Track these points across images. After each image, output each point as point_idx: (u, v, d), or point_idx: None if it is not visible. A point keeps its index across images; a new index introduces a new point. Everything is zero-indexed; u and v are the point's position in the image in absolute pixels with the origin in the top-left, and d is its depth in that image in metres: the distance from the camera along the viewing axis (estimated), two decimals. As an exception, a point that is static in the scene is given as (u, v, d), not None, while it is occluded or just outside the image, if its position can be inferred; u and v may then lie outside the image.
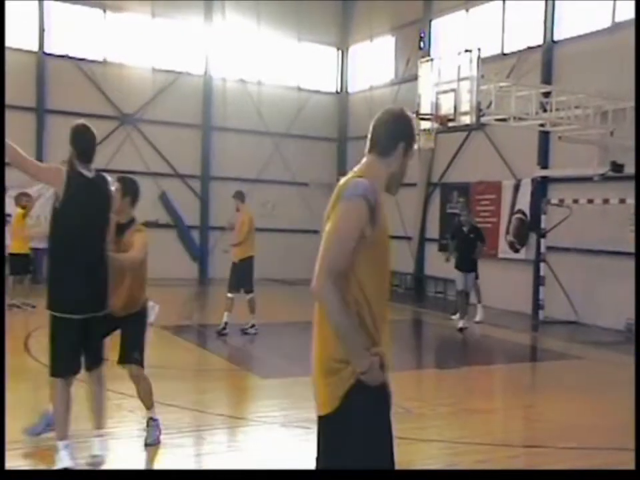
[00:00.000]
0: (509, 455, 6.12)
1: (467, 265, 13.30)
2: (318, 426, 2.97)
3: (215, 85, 20.94)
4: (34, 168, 5.08)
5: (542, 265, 14.41)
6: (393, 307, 3.09)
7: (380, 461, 2.89)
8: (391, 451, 2.94)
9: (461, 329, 12.83)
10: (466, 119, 11.15)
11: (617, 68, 12.86)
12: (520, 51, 15.97)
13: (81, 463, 5.10)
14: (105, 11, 19.56)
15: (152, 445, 5.75)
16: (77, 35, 19.28)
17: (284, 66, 21.91)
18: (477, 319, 13.90)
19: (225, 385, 8.75)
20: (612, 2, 13.87)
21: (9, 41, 15.71)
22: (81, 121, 5.23)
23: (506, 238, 16.33)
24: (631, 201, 11.98)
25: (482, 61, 11.11)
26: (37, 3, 18.66)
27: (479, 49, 11.11)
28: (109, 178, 5.36)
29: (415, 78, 12.89)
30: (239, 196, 11.71)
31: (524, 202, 15.82)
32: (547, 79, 14.95)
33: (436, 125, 11.54)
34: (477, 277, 13.65)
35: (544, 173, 15.08)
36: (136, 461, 5.62)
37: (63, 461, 4.97)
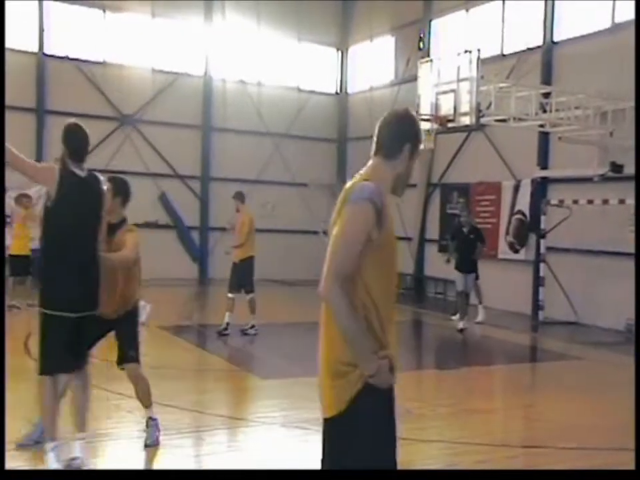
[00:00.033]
0: (509, 455, 6.12)
1: (467, 265, 13.30)
2: (323, 428, 2.96)
3: (214, 85, 20.94)
4: (32, 169, 5.09)
5: (542, 265, 14.41)
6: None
7: (386, 464, 2.89)
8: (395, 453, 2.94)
9: (460, 330, 12.83)
10: (466, 120, 11.17)
11: (617, 68, 12.87)
12: (520, 52, 15.97)
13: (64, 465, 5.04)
14: (104, 11, 19.57)
15: (151, 445, 5.73)
16: (76, 36, 19.28)
17: (284, 66, 21.92)
18: (478, 319, 13.90)
19: (224, 385, 8.74)
20: (612, 2, 13.88)
21: (9, 43, 15.68)
22: (73, 120, 5.22)
23: (506, 238, 16.32)
24: (630, 201, 11.98)
25: (482, 62, 11.14)
26: (36, 3, 18.68)
27: (479, 50, 11.14)
28: (101, 177, 5.35)
29: (414, 78, 12.89)
30: (239, 197, 11.71)
31: (524, 202, 15.81)
32: (546, 79, 14.94)
33: (436, 126, 11.56)
34: (477, 278, 13.65)
35: (544, 173, 15.08)
36: (135, 461, 5.62)
37: (51, 463, 4.95)
